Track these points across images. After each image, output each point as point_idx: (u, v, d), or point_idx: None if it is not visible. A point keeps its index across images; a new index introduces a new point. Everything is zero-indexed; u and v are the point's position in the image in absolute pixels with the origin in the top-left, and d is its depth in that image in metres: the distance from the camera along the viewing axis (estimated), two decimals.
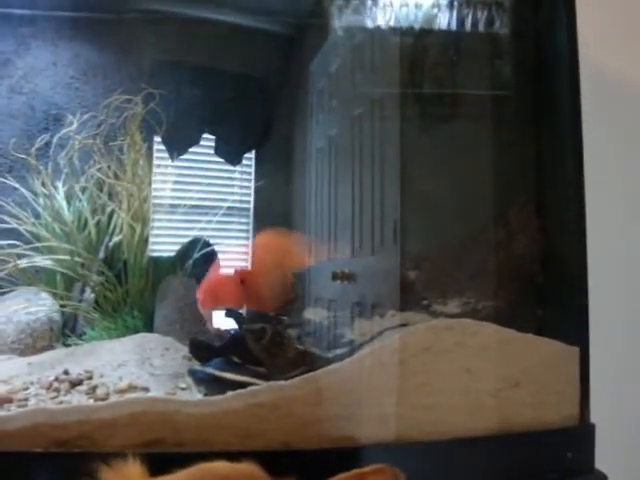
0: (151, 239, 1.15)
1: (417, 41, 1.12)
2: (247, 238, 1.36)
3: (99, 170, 1.12)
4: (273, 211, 1.39)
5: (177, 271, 1.12)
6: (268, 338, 0.80)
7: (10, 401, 0.80)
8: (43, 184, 1.18)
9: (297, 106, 1.43)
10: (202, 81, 1.31)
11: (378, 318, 0.92)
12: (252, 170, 1.39)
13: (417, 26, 1.12)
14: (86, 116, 1.19)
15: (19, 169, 1.23)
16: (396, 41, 1.13)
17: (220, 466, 0.55)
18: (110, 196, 1.16)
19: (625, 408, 1.18)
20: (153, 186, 1.20)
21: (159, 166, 1.23)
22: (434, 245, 1.06)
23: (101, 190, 1.17)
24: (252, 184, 1.38)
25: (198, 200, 1.28)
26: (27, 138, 1.24)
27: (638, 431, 1.21)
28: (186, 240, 1.23)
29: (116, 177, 1.11)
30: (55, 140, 1.19)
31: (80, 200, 1.18)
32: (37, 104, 1.27)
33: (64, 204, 1.17)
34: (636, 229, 1.26)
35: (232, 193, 1.37)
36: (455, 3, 1.11)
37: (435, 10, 1.13)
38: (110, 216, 1.17)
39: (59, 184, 1.19)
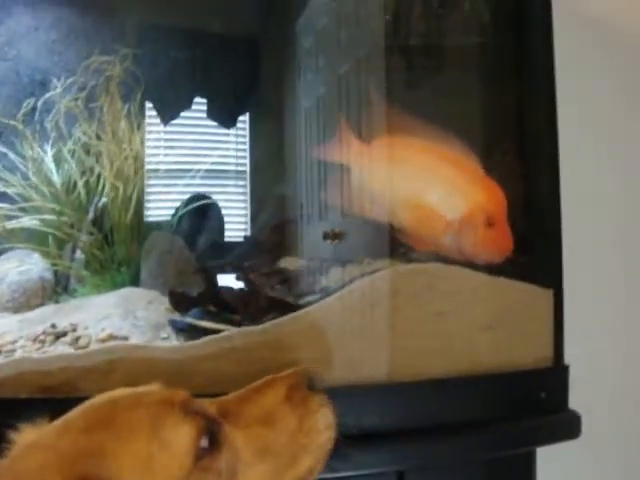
0: (147, 203, 1.17)
1: None
2: (245, 201, 1.36)
3: (83, 132, 1.14)
4: (268, 173, 1.40)
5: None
6: (242, 287, 0.83)
7: None
8: (31, 148, 1.19)
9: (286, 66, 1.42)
10: (188, 43, 1.31)
11: (353, 266, 0.94)
12: (247, 133, 1.40)
13: None
14: (70, 79, 1.20)
15: (7, 135, 1.25)
16: None
17: (112, 392, 0.51)
18: (98, 158, 1.18)
19: (599, 349, 1.20)
20: (146, 151, 1.21)
21: (151, 131, 1.24)
22: None
23: (88, 152, 1.19)
24: (247, 146, 1.39)
25: (191, 164, 1.29)
26: (14, 103, 1.25)
27: (611, 372, 1.23)
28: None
29: (98, 138, 1.13)
30: (40, 104, 1.21)
31: (68, 162, 1.20)
32: (22, 69, 1.29)
33: (53, 167, 1.19)
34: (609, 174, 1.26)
35: (227, 156, 1.38)
36: None
37: None
38: (99, 177, 1.19)
39: (47, 147, 1.21)
